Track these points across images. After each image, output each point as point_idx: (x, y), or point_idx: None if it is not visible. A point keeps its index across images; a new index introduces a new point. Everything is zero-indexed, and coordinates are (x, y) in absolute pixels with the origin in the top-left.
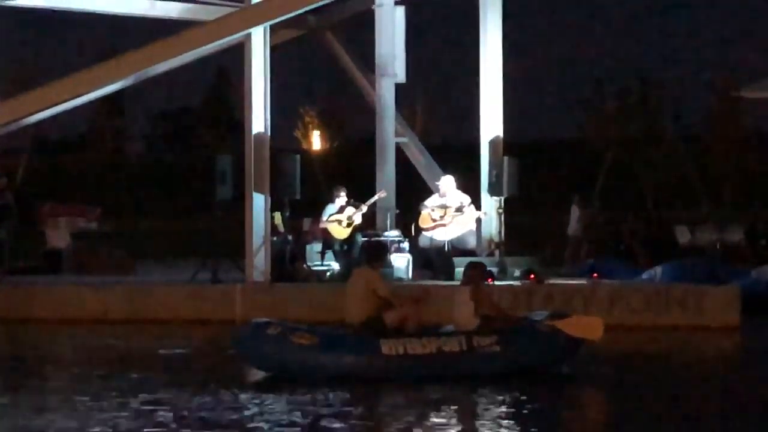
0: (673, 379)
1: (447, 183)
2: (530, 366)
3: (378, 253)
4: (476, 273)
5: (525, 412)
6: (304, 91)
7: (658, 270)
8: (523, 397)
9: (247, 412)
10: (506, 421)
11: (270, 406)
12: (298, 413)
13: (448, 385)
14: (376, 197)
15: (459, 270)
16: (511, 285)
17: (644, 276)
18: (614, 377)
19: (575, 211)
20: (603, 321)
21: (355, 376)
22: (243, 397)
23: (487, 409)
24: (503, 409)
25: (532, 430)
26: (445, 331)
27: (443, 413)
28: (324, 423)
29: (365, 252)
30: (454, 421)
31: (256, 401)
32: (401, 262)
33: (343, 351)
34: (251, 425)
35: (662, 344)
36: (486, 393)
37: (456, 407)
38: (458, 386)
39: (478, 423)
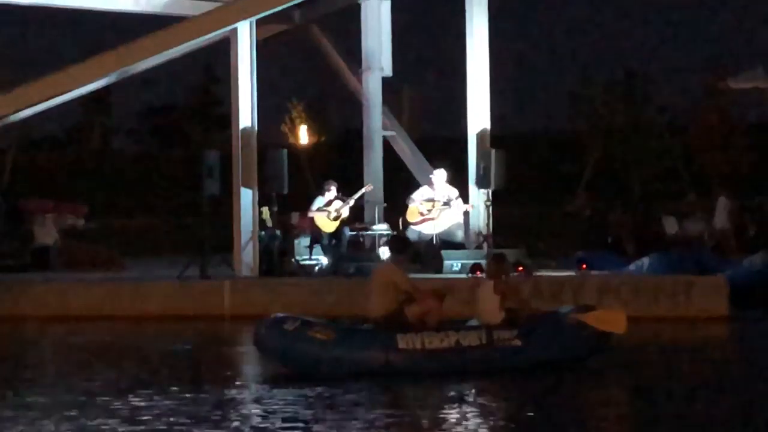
0: (673, 370)
1: (439, 176)
2: (554, 360)
3: (401, 247)
4: (500, 266)
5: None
6: (290, 86)
7: (645, 261)
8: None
9: (262, 408)
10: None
11: (280, 401)
12: (310, 408)
13: (466, 379)
14: (362, 191)
15: (448, 263)
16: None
17: (631, 267)
18: (613, 368)
19: (723, 204)
20: (625, 314)
21: (371, 371)
22: (259, 392)
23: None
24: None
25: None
26: (467, 325)
27: (458, 409)
28: (334, 418)
29: (388, 246)
30: (468, 415)
31: (270, 396)
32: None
33: (360, 346)
34: (265, 420)
35: (653, 335)
36: (504, 387)
37: (471, 401)
38: (477, 381)
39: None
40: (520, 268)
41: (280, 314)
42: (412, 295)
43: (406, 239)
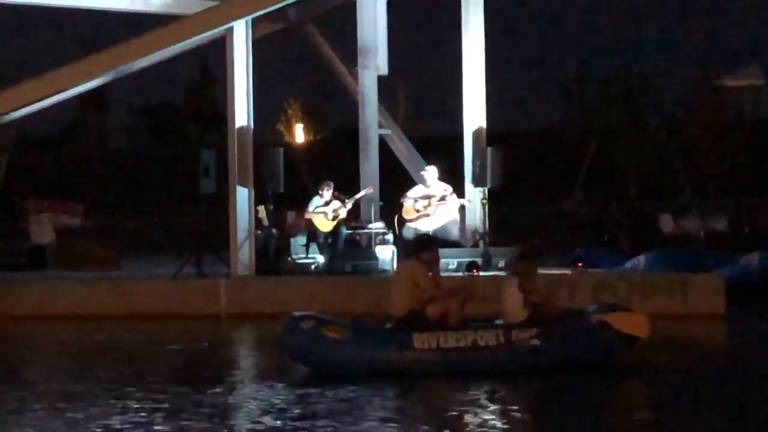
0: (676, 366)
1: (431, 173)
2: (574, 361)
3: (423, 244)
4: (526, 264)
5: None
6: (286, 84)
7: (641, 259)
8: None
9: (260, 409)
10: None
11: (278, 401)
12: (309, 409)
13: (483, 379)
14: (362, 193)
15: (444, 261)
16: (495, 275)
17: (627, 265)
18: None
19: None
20: (647, 318)
21: (387, 371)
22: (257, 392)
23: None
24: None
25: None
26: (485, 324)
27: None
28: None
29: (411, 244)
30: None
31: (268, 396)
32: (386, 254)
33: (375, 345)
34: (263, 421)
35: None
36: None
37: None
38: (494, 380)
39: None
40: None
41: (299, 312)
42: (433, 294)
43: (431, 237)
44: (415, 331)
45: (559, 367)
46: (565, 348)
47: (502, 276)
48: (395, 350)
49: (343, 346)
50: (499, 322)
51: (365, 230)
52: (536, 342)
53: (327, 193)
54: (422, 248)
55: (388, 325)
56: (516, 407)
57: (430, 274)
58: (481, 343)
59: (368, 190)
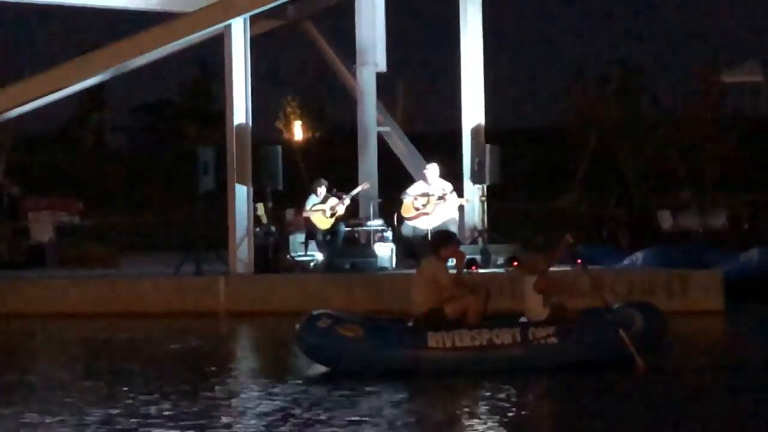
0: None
1: (432, 171)
2: (593, 360)
3: (442, 241)
4: (532, 260)
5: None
6: (285, 82)
7: (639, 255)
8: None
9: (263, 407)
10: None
11: (277, 400)
12: (304, 408)
13: (496, 377)
14: (359, 189)
15: None
16: (494, 272)
17: (625, 262)
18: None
19: None
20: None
21: (401, 369)
22: (259, 390)
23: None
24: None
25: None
26: (502, 322)
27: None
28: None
29: (431, 241)
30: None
31: (270, 395)
32: (385, 251)
33: (389, 343)
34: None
35: None
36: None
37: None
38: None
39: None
40: (515, 263)
41: (317, 311)
42: (453, 291)
43: (449, 233)
44: (430, 329)
45: (578, 366)
46: (583, 347)
47: (519, 274)
48: (410, 349)
49: (358, 344)
50: (523, 320)
51: (364, 228)
52: (554, 340)
53: (321, 190)
54: (441, 245)
55: (409, 324)
56: (527, 406)
57: (453, 271)
58: (497, 342)
59: (365, 185)
